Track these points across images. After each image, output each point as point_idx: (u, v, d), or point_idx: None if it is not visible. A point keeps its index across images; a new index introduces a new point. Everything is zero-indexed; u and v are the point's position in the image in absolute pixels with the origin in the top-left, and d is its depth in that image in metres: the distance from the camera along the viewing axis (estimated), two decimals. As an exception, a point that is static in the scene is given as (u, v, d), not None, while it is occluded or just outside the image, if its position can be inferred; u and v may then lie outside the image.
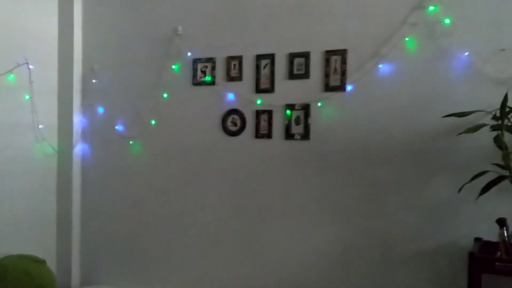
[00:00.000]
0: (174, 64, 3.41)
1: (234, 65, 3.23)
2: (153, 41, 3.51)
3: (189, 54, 3.36)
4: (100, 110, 3.71)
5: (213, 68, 3.29)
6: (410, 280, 2.78)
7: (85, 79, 3.75)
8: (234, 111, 3.24)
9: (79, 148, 3.76)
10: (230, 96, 3.24)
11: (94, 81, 3.71)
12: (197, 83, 3.35)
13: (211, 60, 3.30)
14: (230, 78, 3.25)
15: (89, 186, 3.77)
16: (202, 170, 3.36)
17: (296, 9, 3.07)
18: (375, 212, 2.86)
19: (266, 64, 3.14)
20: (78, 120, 3.74)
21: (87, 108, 3.75)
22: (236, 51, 3.22)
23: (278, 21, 3.11)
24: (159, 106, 3.47)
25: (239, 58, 3.21)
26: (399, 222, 2.80)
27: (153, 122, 3.50)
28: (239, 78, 3.22)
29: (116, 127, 3.64)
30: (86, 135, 3.77)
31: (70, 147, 3.71)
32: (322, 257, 3.01)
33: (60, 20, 3.74)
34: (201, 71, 3.33)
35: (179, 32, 3.38)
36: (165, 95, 3.46)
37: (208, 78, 3.31)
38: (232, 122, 3.25)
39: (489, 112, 2.41)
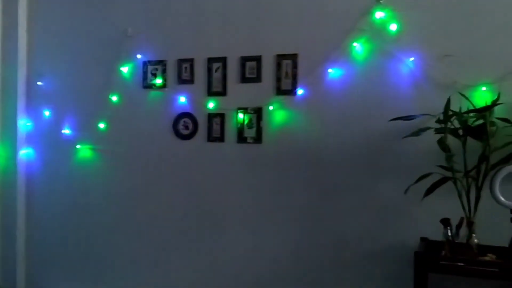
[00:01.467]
0: (124, 67, 3.34)
1: (186, 68, 3.20)
2: (102, 43, 3.43)
3: (139, 56, 3.30)
4: (47, 113, 3.58)
5: (164, 71, 3.25)
6: (360, 280, 2.83)
7: (30, 82, 3.62)
8: (186, 114, 3.20)
9: (24, 153, 3.62)
10: (181, 100, 3.20)
11: (39, 83, 3.58)
12: (147, 86, 3.30)
13: (161, 62, 3.26)
14: (181, 81, 3.21)
15: (34, 192, 3.64)
16: (153, 174, 3.31)
17: (248, 13, 3.07)
18: (327, 214, 2.90)
19: (218, 67, 3.12)
20: (23, 124, 3.60)
21: (33, 111, 3.62)
22: (188, 53, 3.19)
23: (230, 24, 3.11)
24: (109, 109, 3.39)
25: (191, 61, 3.19)
26: (350, 224, 2.85)
27: (102, 125, 3.42)
28: (190, 81, 3.19)
29: (63, 131, 3.52)
30: (31, 140, 3.63)
31: (14, 151, 3.58)
32: (276, 259, 3.02)
33: (4, 21, 3.61)
34: (152, 73, 3.28)
35: (129, 34, 3.32)
36: (114, 98, 3.38)
37: (159, 81, 3.26)
38: (184, 126, 3.21)
39: (433, 116, 2.48)
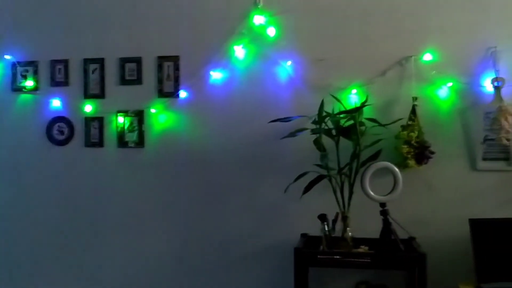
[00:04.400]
0: (-11, 68, 3.09)
1: (60, 69, 3.03)
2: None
3: (7, 57, 3.08)
4: None
5: (36, 72, 3.06)
6: (245, 279, 2.86)
7: None
8: (60, 118, 3.04)
9: None
10: (55, 103, 3.04)
11: None
12: (17, 88, 3.08)
13: (33, 63, 3.06)
14: (55, 83, 3.04)
15: None
16: (25, 184, 3.09)
17: (127, 14, 2.99)
18: (211, 216, 2.90)
19: (95, 69, 3.00)
20: None
21: None
22: (61, 54, 3.04)
23: (107, 24, 3.00)
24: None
25: (65, 62, 3.03)
26: (234, 224, 2.88)
27: (-36, 132, 3.11)
28: (65, 83, 3.03)
29: None
30: None
31: None
32: (160, 264, 2.96)
33: None
34: (22, 75, 3.07)
35: (-6, 33, 3.07)
36: (-21, 102, 3.11)
37: (29, 83, 3.05)
38: (58, 131, 3.04)
39: (310, 117, 2.60)
